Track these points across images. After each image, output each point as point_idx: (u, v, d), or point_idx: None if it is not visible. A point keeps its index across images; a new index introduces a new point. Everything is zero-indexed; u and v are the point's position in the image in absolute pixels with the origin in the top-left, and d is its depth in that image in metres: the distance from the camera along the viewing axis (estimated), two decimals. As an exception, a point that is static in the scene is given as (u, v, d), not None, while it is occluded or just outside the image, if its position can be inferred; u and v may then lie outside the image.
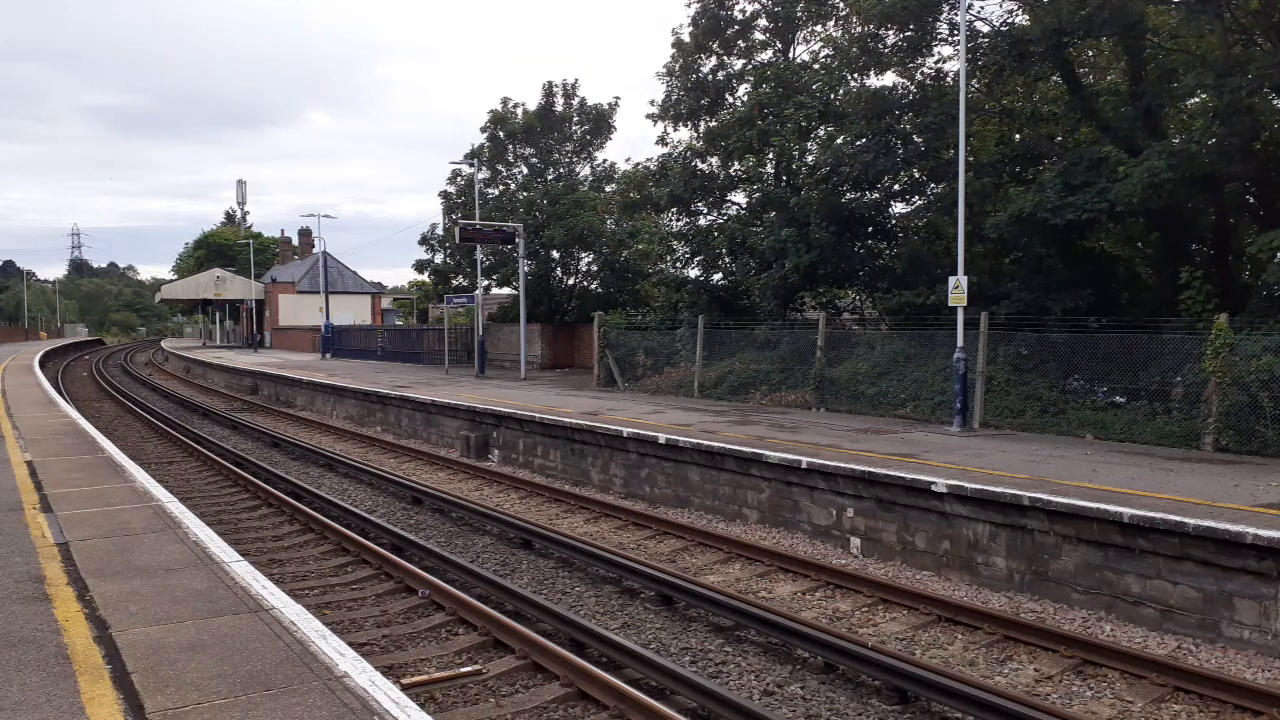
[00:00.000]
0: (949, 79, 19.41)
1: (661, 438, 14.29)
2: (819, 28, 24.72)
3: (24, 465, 12.20)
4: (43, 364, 42.30)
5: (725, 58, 25.88)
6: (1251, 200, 17.31)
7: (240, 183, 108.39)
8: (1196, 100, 17.07)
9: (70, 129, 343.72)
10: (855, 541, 11.42)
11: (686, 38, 25.73)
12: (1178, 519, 8.36)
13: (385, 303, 71.53)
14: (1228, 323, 12.87)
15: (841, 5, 22.93)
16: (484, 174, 36.43)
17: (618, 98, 58.29)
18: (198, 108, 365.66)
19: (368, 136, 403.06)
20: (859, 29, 20.05)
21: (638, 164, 28.18)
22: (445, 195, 40.08)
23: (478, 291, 32.82)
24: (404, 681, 6.96)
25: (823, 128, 23.10)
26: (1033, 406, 15.43)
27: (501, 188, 37.99)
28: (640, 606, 9.42)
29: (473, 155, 36.44)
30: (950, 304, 15.40)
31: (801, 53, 25.46)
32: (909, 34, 18.77)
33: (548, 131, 37.30)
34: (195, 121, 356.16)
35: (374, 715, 4.61)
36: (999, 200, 17.52)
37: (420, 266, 41.87)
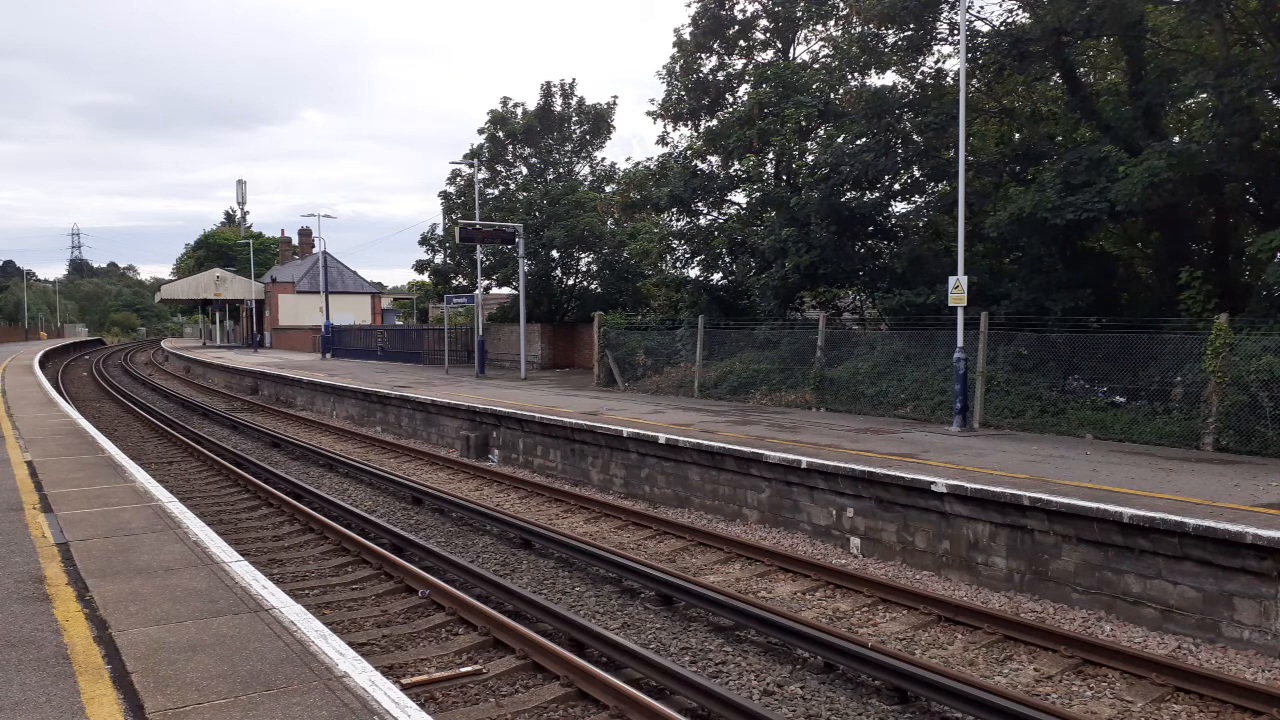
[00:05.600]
0: (949, 78, 19.41)
1: (661, 438, 14.29)
2: (819, 27, 24.79)
3: (24, 465, 12.20)
4: (42, 364, 42.31)
5: (726, 57, 25.91)
6: (1251, 200, 17.30)
7: (240, 183, 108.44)
8: (1196, 100, 17.07)
9: (62, 128, 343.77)
10: (855, 541, 11.42)
11: (687, 37, 25.75)
12: (1178, 519, 8.36)
13: (385, 303, 71.59)
14: (1228, 323, 12.87)
15: (842, 5, 22.93)
16: (484, 174, 36.44)
17: (615, 97, 58.27)
18: (190, 106, 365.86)
19: (365, 136, 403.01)
20: (859, 28, 20.05)
21: (638, 164, 28.22)
22: (445, 195, 40.11)
23: (478, 291, 32.83)
24: (404, 681, 6.96)
25: (823, 127, 23.11)
26: (1033, 406, 15.43)
27: (501, 188, 38.01)
28: (640, 606, 9.42)
29: (472, 155, 36.46)
30: (950, 304, 15.40)
31: (802, 52, 25.54)
32: (909, 33, 18.77)
33: (547, 131, 37.32)
34: (188, 120, 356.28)
35: (374, 715, 4.61)
36: (999, 200, 17.51)
37: (420, 266, 41.88)
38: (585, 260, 36.84)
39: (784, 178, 23.99)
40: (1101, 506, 8.92)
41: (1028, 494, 9.54)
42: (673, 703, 6.85)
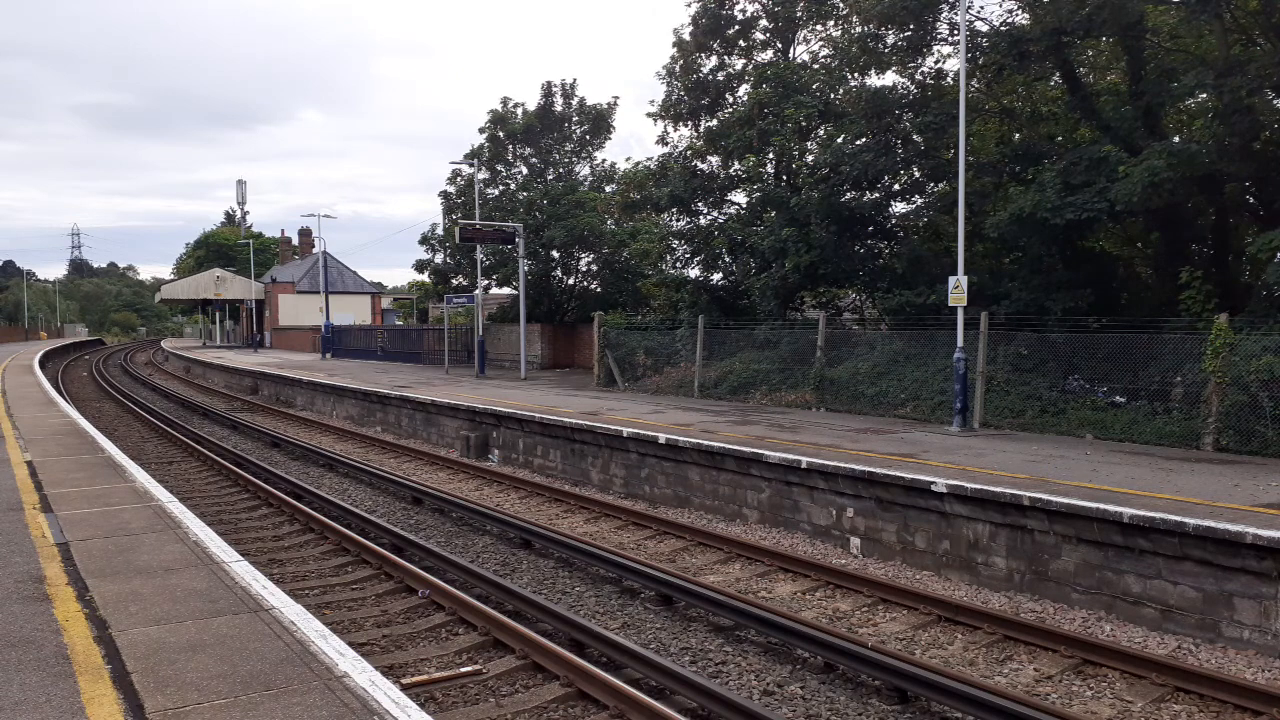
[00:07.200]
0: (949, 79, 19.40)
1: (661, 438, 14.29)
2: (819, 27, 24.75)
3: (24, 465, 12.20)
4: (43, 364, 42.31)
5: (726, 57, 25.89)
6: (1251, 200, 17.30)
7: (240, 183, 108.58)
8: (1196, 100, 17.07)
9: (62, 128, 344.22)
10: (855, 541, 11.42)
11: (687, 37, 25.73)
12: (1178, 519, 8.36)
13: (385, 303, 71.61)
14: (1228, 323, 12.87)
15: (841, 5, 22.93)
16: (484, 174, 36.44)
17: (616, 98, 58.57)
18: (190, 106, 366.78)
19: (364, 135, 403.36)
20: (859, 29, 20.05)
21: (638, 164, 28.20)
22: (445, 195, 40.12)
23: (478, 291, 32.82)
24: (404, 681, 6.96)
25: (823, 127, 23.11)
26: (1033, 406, 15.42)
27: (501, 188, 38.01)
28: (640, 606, 9.42)
29: (473, 155, 36.47)
30: (950, 304, 15.40)
31: (801, 52, 25.52)
32: (909, 34, 18.76)
33: (547, 131, 37.32)
34: (188, 120, 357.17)
35: (374, 715, 4.61)
36: (999, 200, 17.51)
37: (420, 266, 41.90)
38: (585, 260, 36.85)
39: (784, 178, 23.98)
40: (1101, 506, 8.92)
41: (1028, 494, 9.54)
42: (673, 703, 6.85)
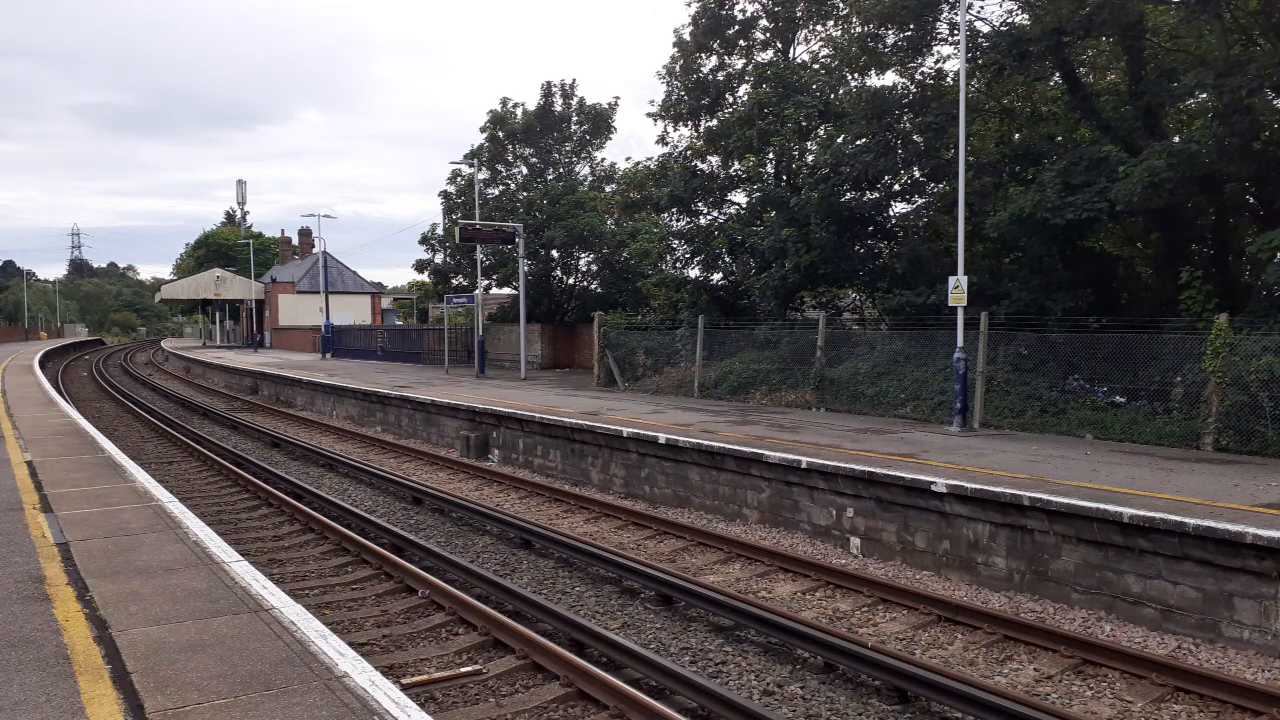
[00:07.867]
0: (949, 79, 19.39)
1: (661, 438, 14.29)
2: (819, 27, 24.76)
3: (24, 465, 12.20)
4: (43, 364, 42.31)
5: (726, 57, 25.91)
6: (1251, 200, 17.30)
7: (240, 183, 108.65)
8: (1196, 100, 17.07)
9: (62, 128, 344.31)
10: (855, 541, 11.42)
11: (687, 37, 25.75)
12: (1178, 519, 8.36)
13: (385, 303, 71.61)
14: (1228, 323, 12.87)
15: (841, 5, 22.93)
16: (484, 174, 36.44)
17: (617, 97, 58.62)
18: (190, 106, 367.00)
19: (364, 135, 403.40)
20: (859, 29, 20.04)
21: (638, 164, 28.20)
22: (445, 195, 40.13)
23: (478, 291, 32.82)
24: (404, 681, 6.96)
25: (823, 127, 23.11)
26: (1033, 406, 15.43)
27: (501, 188, 38.03)
28: (640, 606, 9.42)
29: (473, 155, 36.48)
30: (950, 304, 15.40)
31: (801, 52, 25.54)
32: (909, 34, 18.75)
33: (547, 131, 37.33)
34: (188, 120, 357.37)
35: (374, 715, 4.61)
36: (999, 200, 17.50)
37: (420, 266, 41.90)
38: (585, 260, 36.87)
39: (784, 178, 23.99)
40: (1101, 506, 8.92)
41: (1028, 494, 9.54)
42: (673, 703, 6.85)
